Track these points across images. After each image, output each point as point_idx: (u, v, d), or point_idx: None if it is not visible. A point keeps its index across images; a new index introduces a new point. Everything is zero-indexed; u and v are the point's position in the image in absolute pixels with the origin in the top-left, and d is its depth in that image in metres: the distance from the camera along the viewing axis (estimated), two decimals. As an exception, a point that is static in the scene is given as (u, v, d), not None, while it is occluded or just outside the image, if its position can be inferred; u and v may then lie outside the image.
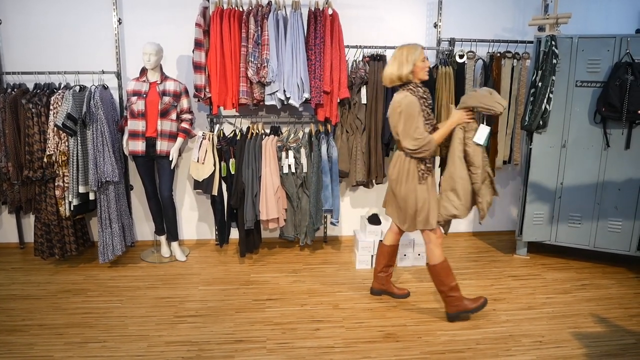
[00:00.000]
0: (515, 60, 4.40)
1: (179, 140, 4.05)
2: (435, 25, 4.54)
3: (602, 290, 3.81)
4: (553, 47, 3.85)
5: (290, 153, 4.09)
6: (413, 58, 3.04)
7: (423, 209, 3.18)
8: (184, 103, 4.08)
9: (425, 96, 3.10)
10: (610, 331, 3.22)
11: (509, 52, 4.41)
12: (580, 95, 3.99)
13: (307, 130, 4.37)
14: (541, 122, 3.97)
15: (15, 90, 4.00)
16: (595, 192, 4.07)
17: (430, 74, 4.22)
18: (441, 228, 3.32)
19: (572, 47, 3.94)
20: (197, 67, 3.97)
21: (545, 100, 3.90)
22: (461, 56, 4.32)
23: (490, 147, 4.58)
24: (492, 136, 4.53)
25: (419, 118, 3.03)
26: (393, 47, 4.27)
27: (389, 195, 3.41)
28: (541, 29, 4.30)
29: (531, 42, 4.35)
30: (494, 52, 4.43)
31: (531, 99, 3.98)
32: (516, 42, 4.48)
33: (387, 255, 3.57)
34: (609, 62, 3.86)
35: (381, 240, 3.61)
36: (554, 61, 3.86)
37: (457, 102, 4.30)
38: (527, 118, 4.01)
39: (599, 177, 4.04)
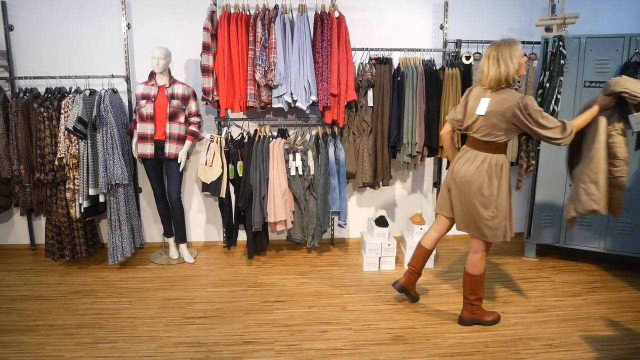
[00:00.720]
0: (523, 62, 4.38)
1: (187, 143, 4.08)
2: (442, 27, 4.54)
3: (613, 293, 3.78)
4: (561, 48, 3.83)
5: (298, 155, 4.10)
6: (517, 54, 2.88)
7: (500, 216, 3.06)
8: (192, 106, 4.11)
9: None
10: (622, 335, 3.19)
11: (517, 53, 4.40)
12: (589, 95, 3.96)
13: (314, 132, 4.38)
14: (549, 124, 3.95)
15: (27, 94, 4.05)
16: (604, 193, 4.04)
17: (437, 76, 4.24)
18: (569, 225, 3.16)
19: (580, 47, 3.92)
20: (205, 71, 4.01)
21: (553, 101, 3.88)
22: (468, 57, 4.32)
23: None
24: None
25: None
26: (400, 49, 4.30)
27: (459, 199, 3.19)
28: (548, 29, 4.28)
29: (538, 42, 4.33)
30: (501, 54, 4.41)
31: (539, 100, 3.96)
32: (523, 42, 4.45)
33: (427, 257, 3.54)
34: (617, 62, 3.84)
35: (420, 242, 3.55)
36: (562, 62, 3.84)
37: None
38: (535, 119, 3.99)
39: (608, 178, 4.01)
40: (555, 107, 3.89)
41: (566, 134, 2.83)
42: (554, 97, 3.86)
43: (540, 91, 3.95)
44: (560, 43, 3.84)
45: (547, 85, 3.88)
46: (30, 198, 4.11)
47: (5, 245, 4.67)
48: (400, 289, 3.56)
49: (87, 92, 3.96)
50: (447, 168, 4.57)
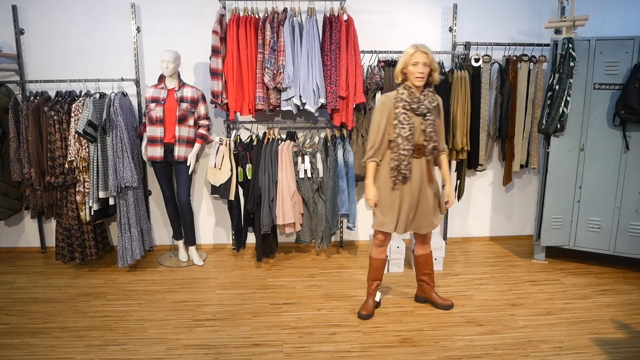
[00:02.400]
0: (531, 64, 4.37)
1: (197, 146, 4.10)
2: (451, 29, 4.53)
3: (623, 295, 3.75)
4: (570, 50, 3.82)
5: (306, 158, 4.11)
6: (404, 59, 3.05)
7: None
8: (202, 109, 4.13)
9: (410, 100, 3.04)
10: (632, 337, 3.17)
11: (525, 55, 4.39)
12: (598, 98, 3.95)
13: (322, 135, 4.39)
14: (559, 126, 3.94)
15: (38, 98, 4.09)
16: (615, 195, 4.02)
17: (446, 79, 4.23)
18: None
19: (589, 49, 3.91)
20: (214, 74, 4.02)
21: (562, 104, 3.86)
22: (477, 60, 4.31)
23: (507, 151, 4.55)
24: (509, 140, 4.51)
25: (382, 121, 3.09)
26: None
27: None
28: (558, 31, 4.27)
29: (548, 45, 4.32)
30: (510, 56, 4.41)
31: (548, 102, 3.95)
32: (532, 45, 4.45)
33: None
34: (627, 64, 3.82)
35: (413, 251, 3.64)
36: (572, 64, 3.82)
37: (473, 107, 4.30)
38: (544, 121, 3.98)
39: (618, 180, 3.99)
40: (565, 110, 3.88)
41: (366, 157, 3.19)
42: (564, 99, 3.85)
43: (549, 93, 3.94)
44: (570, 45, 3.82)
45: (557, 87, 3.87)
46: (40, 201, 4.15)
47: (16, 248, 4.71)
48: (421, 300, 3.66)
49: (97, 96, 3.99)
50: (456, 170, 4.58)
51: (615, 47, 3.84)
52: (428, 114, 3.07)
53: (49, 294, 3.81)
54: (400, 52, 4.27)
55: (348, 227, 4.23)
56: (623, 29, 4.58)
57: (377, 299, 3.55)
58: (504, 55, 4.46)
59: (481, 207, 4.96)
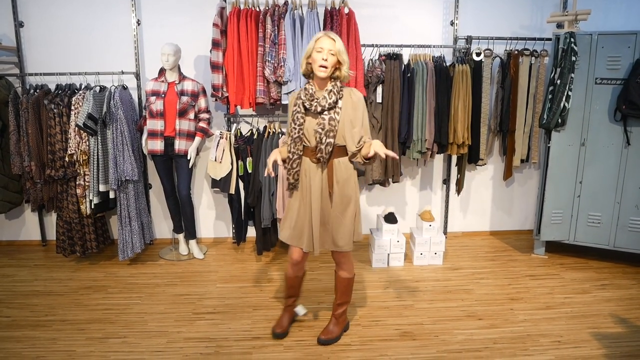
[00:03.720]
0: (533, 58, 4.36)
1: (197, 139, 4.09)
2: (452, 23, 4.52)
3: (623, 290, 3.76)
4: (572, 44, 3.81)
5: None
6: (310, 45, 2.64)
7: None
8: (202, 102, 4.12)
9: (305, 98, 2.69)
10: (631, 332, 3.18)
11: (527, 49, 4.38)
12: (599, 92, 3.94)
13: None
14: (560, 120, 3.93)
15: (38, 91, 4.08)
16: (615, 190, 4.02)
17: (447, 73, 4.22)
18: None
19: (591, 44, 3.89)
20: (215, 67, 4.01)
21: (564, 98, 3.85)
22: (478, 54, 4.30)
23: (508, 146, 4.55)
24: (510, 134, 4.50)
25: (289, 119, 2.77)
26: (410, 46, 4.28)
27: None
28: (560, 25, 4.26)
29: (549, 39, 4.30)
30: (511, 50, 4.40)
31: (550, 96, 3.94)
32: (534, 39, 4.43)
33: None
34: (629, 59, 3.81)
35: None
36: (573, 58, 3.81)
37: (474, 101, 4.29)
38: (545, 116, 3.98)
39: (619, 175, 3.99)
40: (566, 104, 3.87)
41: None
42: (565, 94, 3.84)
43: (551, 88, 3.93)
44: (572, 40, 3.81)
45: (558, 82, 3.86)
46: (41, 194, 4.15)
47: (17, 241, 4.71)
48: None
49: (97, 89, 3.98)
50: (456, 164, 4.58)
51: (617, 41, 3.83)
52: (324, 113, 2.67)
53: (49, 287, 3.81)
54: (401, 45, 4.26)
55: (348, 221, 4.22)
56: (625, 24, 4.56)
57: (302, 312, 3.24)
58: (506, 50, 4.44)
59: (481, 201, 4.96)
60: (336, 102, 2.67)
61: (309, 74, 2.74)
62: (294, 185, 2.82)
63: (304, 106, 2.70)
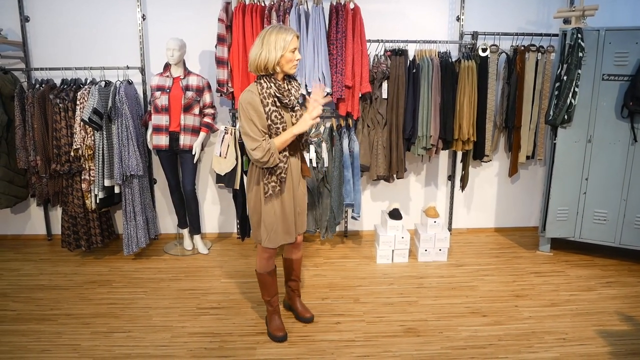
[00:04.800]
0: (539, 54, 4.33)
1: (202, 134, 4.10)
2: (458, 19, 4.49)
3: (628, 288, 3.74)
4: (579, 40, 3.78)
5: (312, 147, 4.10)
6: (282, 45, 2.56)
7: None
8: (207, 98, 4.12)
9: (280, 94, 2.64)
10: (636, 329, 3.16)
11: (533, 45, 4.35)
12: (606, 89, 3.91)
13: (328, 124, 4.36)
14: (566, 117, 3.91)
15: (43, 85, 4.08)
16: (621, 188, 4.00)
17: (453, 69, 4.20)
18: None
19: (598, 39, 3.86)
20: (220, 62, 4.01)
21: (570, 95, 3.83)
22: (484, 50, 4.27)
23: (513, 142, 4.53)
24: (515, 131, 4.48)
25: (258, 118, 2.60)
26: (415, 41, 4.27)
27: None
28: (567, 21, 4.23)
29: (556, 35, 4.27)
30: (517, 46, 4.37)
31: (556, 93, 3.91)
32: (541, 35, 4.40)
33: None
34: (637, 54, 3.77)
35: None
36: (580, 54, 3.78)
37: (480, 97, 4.27)
38: (551, 112, 3.95)
39: (625, 172, 3.97)
40: (573, 101, 3.85)
41: (259, 154, 2.62)
42: (572, 90, 3.81)
43: (557, 84, 3.90)
44: (579, 35, 3.78)
45: (565, 78, 3.83)
46: (46, 189, 4.16)
47: (23, 235, 4.73)
48: (287, 306, 3.43)
49: (103, 84, 3.98)
50: (461, 161, 4.56)
51: (625, 37, 3.80)
52: (297, 107, 2.76)
53: (55, 281, 3.83)
54: (406, 41, 4.24)
55: (353, 217, 4.23)
56: (633, 19, 4.52)
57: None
58: (512, 45, 4.42)
59: (486, 198, 4.94)
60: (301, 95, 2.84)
61: (268, 72, 2.65)
62: (282, 183, 2.76)
63: (280, 102, 2.67)
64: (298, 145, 2.83)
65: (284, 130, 2.67)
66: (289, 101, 2.69)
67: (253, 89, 2.63)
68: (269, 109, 2.61)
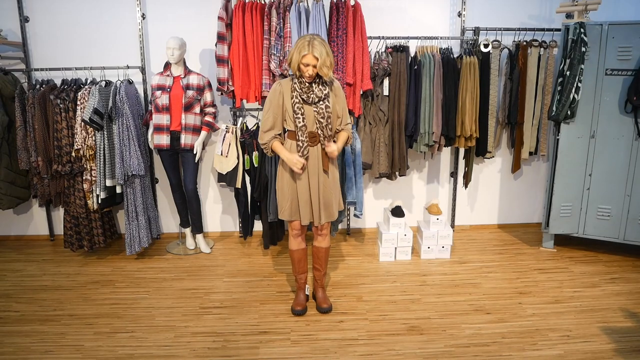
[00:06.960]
0: (542, 49, 4.30)
1: (203, 133, 4.09)
2: (459, 14, 4.46)
3: (633, 284, 3.72)
4: (582, 35, 3.75)
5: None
6: (297, 57, 2.92)
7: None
8: (208, 96, 4.11)
9: (300, 90, 2.99)
10: (641, 326, 3.16)
11: (536, 40, 4.32)
12: (610, 84, 3.88)
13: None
14: (569, 112, 3.88)
15: (44, 86, 4.08)
16: (625, 183, 3.97)
17: (454, 65, 4.18)
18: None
19: (601, 34, 3.83)
20: (220, 61, 3.99)
21: (573, 90, 3.80)
22: (486, 45, 4.25)
23: (516, 138, 4.51)
24: (518, 127, 4.46)
25: (273, 109, 3.06)
26: (416, 38, 4.24)
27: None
28: (569, 16, 4.19)
29: (559, 30, 4.24)
30: (520, 41, 4.34)
31: (559, 88, 3.89)
32: (543, 30, 4.37)
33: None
34: (640, 49, 3.75)
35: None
36: (583, 49, 3.76)
37: (482, 93, 4.25)
38: (554, 108, 3.93)
39: (629, 168, 3.94)
40: (576, 96, 3.82)
41: (265, 140, 3.11)
42: (575, 85, 3.79)
43: (560, 79, 3.88)
44: (582, 30, 3.75)
45: (568, 73, 3.80)
46: (48, 189, 4.16)
47: (25, 236, 4.74)
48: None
49: (103, 84, 3.97)
50: (464, 157, 4.54)
51: (628, 32, 3.76)
52: (320, 102, 3.02)
53: (57, 282, 3.83)
54: (408, 37, 4.21)
55: (355, 215, 4.21)
56: (636, 14, 4.49)
57: (307, 292, 3.48)
58: (514, 41, 4.39)
59: (489, 194, 4.92)
60: (328, 94, 3.06)
61: (295, 72, 3.04)
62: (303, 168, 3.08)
63: (302, 98, 3.01)
64: (317, 137, 3.06)
65: (303, 120, 3.01)
66: (307, 97, 3.01)
67: (284, 81, 3.08)
68: (293, 101, 3.01)
